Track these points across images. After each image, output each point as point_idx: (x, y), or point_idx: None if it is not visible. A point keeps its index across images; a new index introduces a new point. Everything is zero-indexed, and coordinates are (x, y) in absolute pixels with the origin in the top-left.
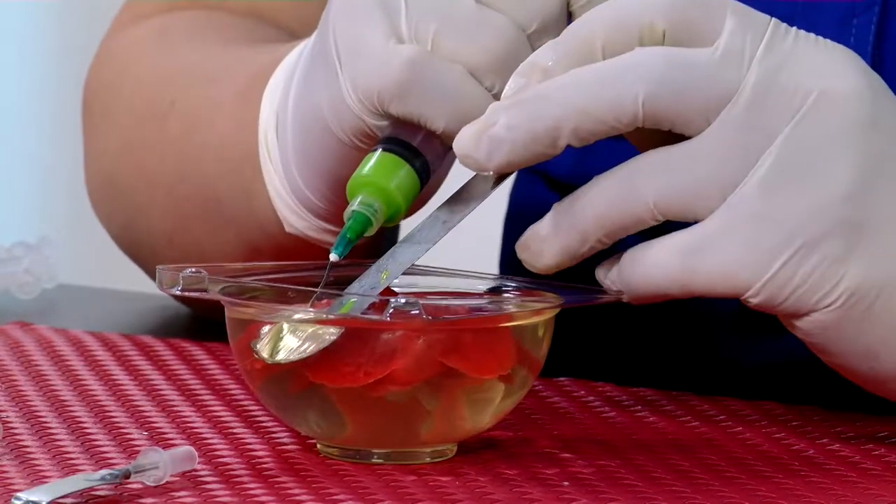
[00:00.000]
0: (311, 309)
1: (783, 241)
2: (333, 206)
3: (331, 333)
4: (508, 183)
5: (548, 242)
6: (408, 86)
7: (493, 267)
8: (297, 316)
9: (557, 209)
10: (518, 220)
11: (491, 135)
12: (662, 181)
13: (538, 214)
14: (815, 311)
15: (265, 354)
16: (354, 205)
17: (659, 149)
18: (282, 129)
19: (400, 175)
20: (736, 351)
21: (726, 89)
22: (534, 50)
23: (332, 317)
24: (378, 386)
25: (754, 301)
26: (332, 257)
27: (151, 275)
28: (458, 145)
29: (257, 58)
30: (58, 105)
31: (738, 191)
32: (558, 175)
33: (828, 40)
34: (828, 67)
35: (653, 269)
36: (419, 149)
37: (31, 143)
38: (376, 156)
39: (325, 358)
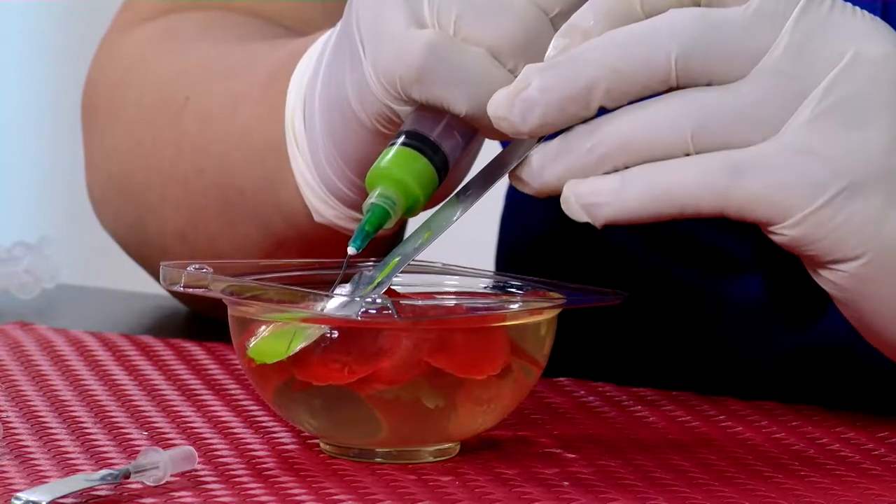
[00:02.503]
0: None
1: (830, 178)
2: (362, 193)
3: (320, 329)
4: (506, 184)
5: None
6: (428, 70)
7: (489, 266)
8: (288, 314)
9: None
10: (514, 220)
11: (524, 97)
12: (699, 115)
13: (535, 214)
14: (850, 261)
15: (250, 354)
16: (373, 197)
17: (693, 88)
18: (309, 116)
19: (418, 168)
20: (737, 350)
21: (760, 46)
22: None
23: (320, 315)
24: (364, 384)
25: (790, 233)
26: (350, 250)
27: (158, 275)
28: (491, 108)
29: (277, 50)
30: (57, 105)
31: (785, 127)
32: None
33: (863, 10)
34: (862, 32)
35: (690, 176)
36: (439, 139)
37: (30, 143)
38: (395, 149)
39: (311, 356)
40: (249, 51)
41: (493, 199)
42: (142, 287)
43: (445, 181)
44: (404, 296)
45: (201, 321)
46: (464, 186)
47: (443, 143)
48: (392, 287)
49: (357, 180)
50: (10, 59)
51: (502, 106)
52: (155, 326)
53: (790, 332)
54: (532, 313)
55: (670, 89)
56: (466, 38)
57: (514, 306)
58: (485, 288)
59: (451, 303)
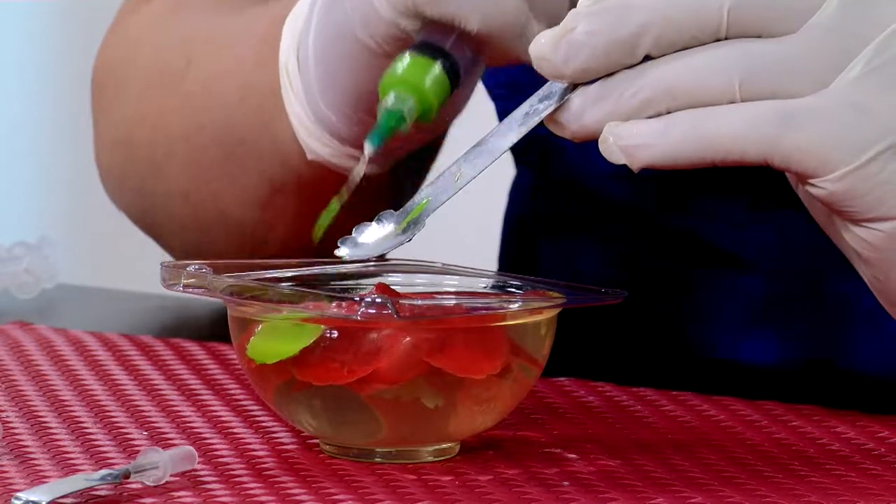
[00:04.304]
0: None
1: (878, 135)
2: (356, 126)
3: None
4: (506, 184)
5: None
6: None
7: (492, 266)
8: (284, 313)
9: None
10: (517, 220)
11: (570, 39)
12: (748, 63)
13: (538, 214)
14: (888, 220)
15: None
16: (388, 102)
17: (743, 39)
18: (303, 54)
19: (432, 74)
20: (736, 351)
21: (812, 2)
22: None
23: (320, 316)
24: (364, 384)
25: (832, 187)
26: (367, 149)
27: (163, 242)
28: (535, 49)
29: (274, 8)
30: (57, 105)
31: (835, 83)
32: (559, 175)
33: None
34: None
35: (737, 123)
36: (452, 50)
37: (30, 143)
38: (407, 56)
39: (311, 356)
40: (249, 14)
41: (496, 200)
42: (142, 287)
43: (455, 96)
44: (404, 296)
45: (201, 321)
46: (491, 132)
47: (454, 53)
48: (392, 287)
49: (352, 113)
50: (10, 59)
51: (546, 46)
52: (155, 326)
53: (790, 333)
54: (532, 313)
55: (718, 41)
56: None
57: (514, 306)
58: (484, 288)
59: (451, 303)
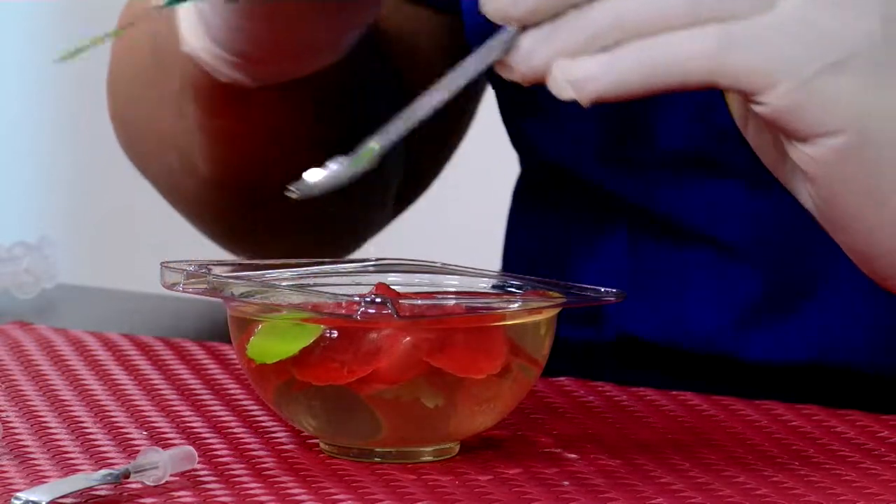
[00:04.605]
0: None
1: (822, 51)
2: (231, 31)
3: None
4: (510, 183)
5: None
6: None
7: (496, 265)
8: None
9: None
10: (521, 217)
11: None
12: None
13: (543, 210)
14: (833, 135)
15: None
16: None
17: None
18: None
19: None
20: (736, 346)
21: None
22: None
23: (320, 316)
24: (364, 384)
25: (778, 103)
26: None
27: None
28: None
29: None
30: (57, 105)
31: (780, 3)
32: (566, 166)
33: None
34: None
35: (684, 45)
36: None
37: (30, 143)
38: None
39: (310, 356)
40: None
41: (499, 201)
42: (142, 287)
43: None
44: (404, 295)
45: (201, 321)
46: (444, 78)
47: None
48: (392, 287)
49: (226, 15)
50: (10, 59)
51: None
52: (155, 326)
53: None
54: (531, 313)
55: None
56: None
57: (514, 306)
58: (484, 288)
59: (451, 302)
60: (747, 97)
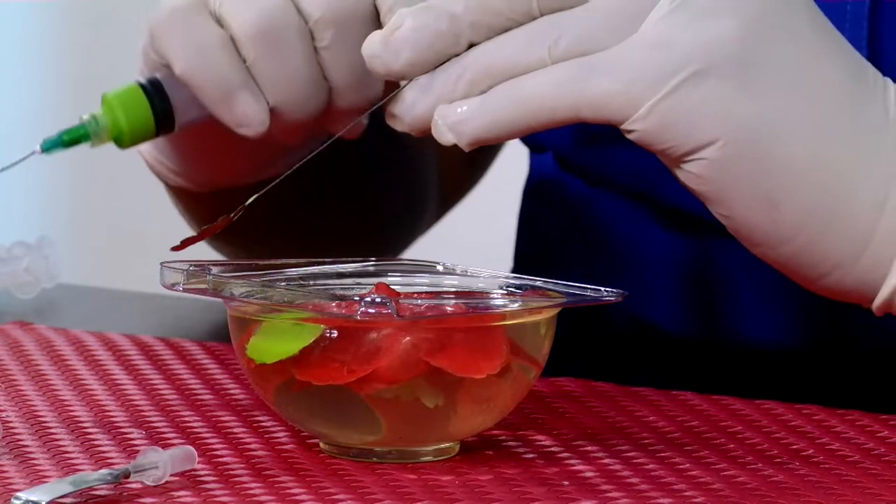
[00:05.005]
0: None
1: (678, 65)
2: (164, 142)
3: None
4: (519, 183)
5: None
6: (163, 29)
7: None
8: (284, 313)
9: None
10: (531, 216)
11: (398, 36)
12: (555, 31)
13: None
14: (706, 147)
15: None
16: (86, 115)
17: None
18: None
19: (138, 109)
20: (745, 329)
21: None
22: (313, 34)
23: (320, 316)
24: (363, 384)
25: (643, 126)
26: (37, 149)
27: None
28: (366, 48)
29: None
30: (58, 105)
31: (640, 28)
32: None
33: None
34: None
35: (547, 79)
36: (171, 96)
37: (30, 143)
38: (129, 84)
39: (310, 356)
40: None
41: (506, 203)
42: (142, 287)
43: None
44: (404, 295)
45: (201, 321)
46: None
47: (177, 99)
48: (392, 287)
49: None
50: (10, 59)
51: (376, 45)
52: (155, 326)
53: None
54: (531, 312)
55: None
56: (217, 13)
57: (514, 306)
58: (484, 288)
59: (451, 302)
60: (616, 126)
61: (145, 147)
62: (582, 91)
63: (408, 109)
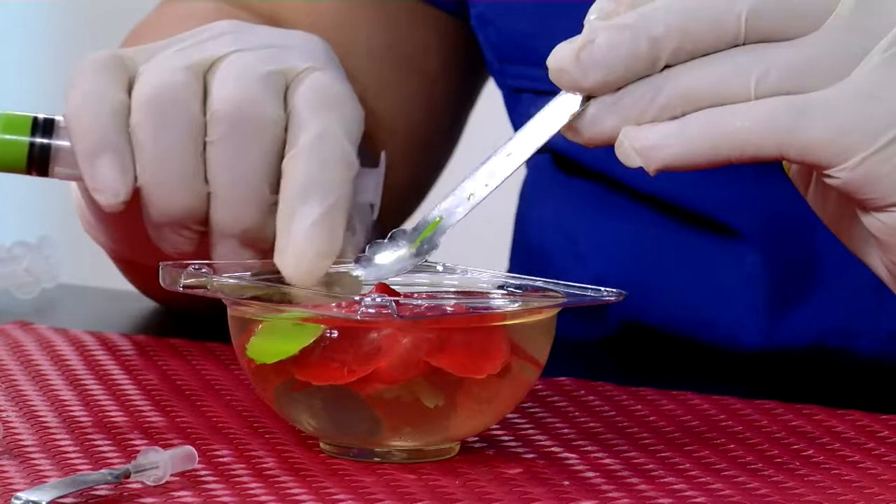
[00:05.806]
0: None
1: (891, 121)
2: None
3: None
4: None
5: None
6: (77, 73)
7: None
8: (286, 313)
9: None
10: (529, 214)
11: (589, 53)
12: (763, 65)
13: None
14: None
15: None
16: None
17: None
18: None
19: (18, 135)
20: (737, 331)
21: (828, 3)
22: (206, 126)
23: (320, 315)
24: (364, 384)
25: (848, 176)
26: None
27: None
28: (553, 60)
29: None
30: (58, 105)
31: (850, 76)
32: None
33: None
34: None
35: (756, 116)
36: (58, 140)
37: None
38: (28, 114)
39: (310, 356)
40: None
41: (505, 203)
42: None
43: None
44: (404, 295)
45: (201, 321)
46: (504, 145)
47: (63, 147)
48: (392, 287)
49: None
50: (10, 59)
51: (565, 59)
52: (155, 326)
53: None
54: (531, 312)
55: (736, 47)
56: (133, 79)
57: (514, 306)
58: (485, 287)
59: (451, 302)
60: (818, 170)
61: (81, 211)
62: (792, 132)
63: (590, 124)
